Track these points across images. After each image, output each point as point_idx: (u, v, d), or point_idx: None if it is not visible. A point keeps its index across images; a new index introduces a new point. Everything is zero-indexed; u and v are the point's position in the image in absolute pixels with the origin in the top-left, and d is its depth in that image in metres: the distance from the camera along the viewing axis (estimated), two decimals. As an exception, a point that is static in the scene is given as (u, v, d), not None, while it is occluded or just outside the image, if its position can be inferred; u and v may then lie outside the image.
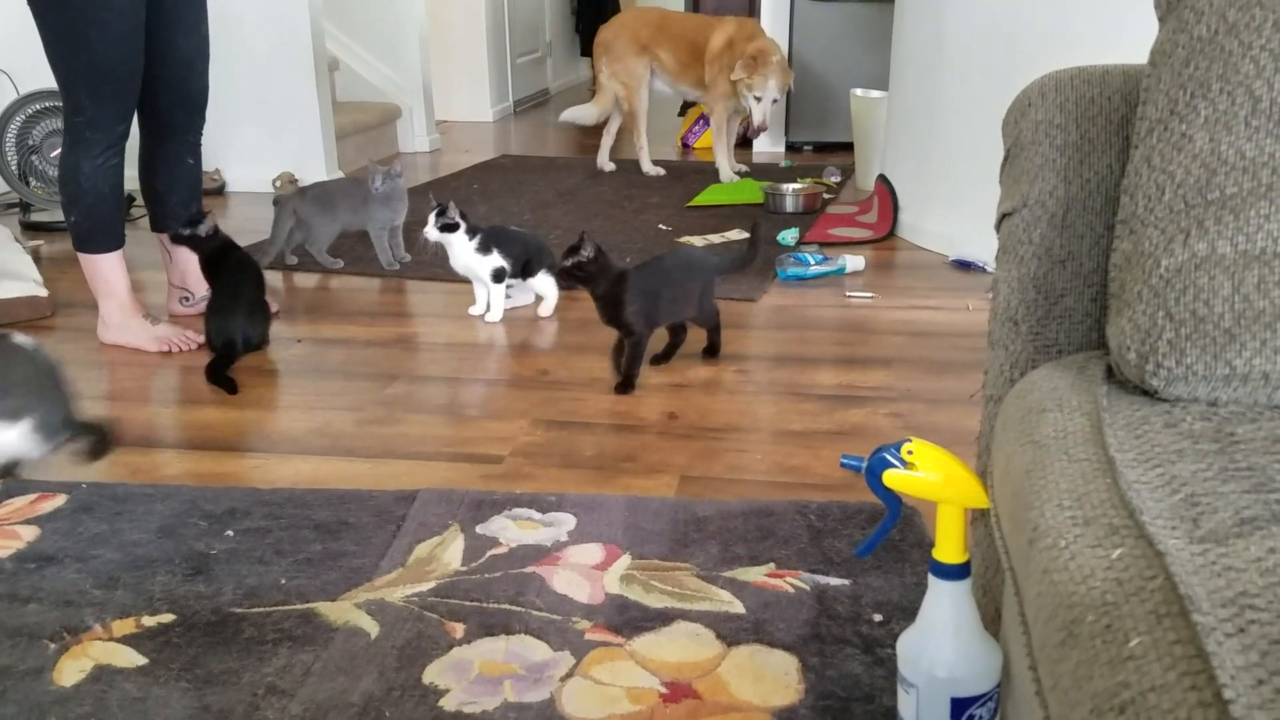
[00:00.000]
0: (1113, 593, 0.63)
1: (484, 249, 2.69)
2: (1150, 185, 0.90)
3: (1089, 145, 1.07)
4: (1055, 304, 1.07)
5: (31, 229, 3.69)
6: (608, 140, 4.69)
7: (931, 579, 1.01)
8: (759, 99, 4.16)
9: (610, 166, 4.70)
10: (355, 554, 1.60)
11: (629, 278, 2.23)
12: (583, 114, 4.55)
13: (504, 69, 6.72)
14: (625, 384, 2.23)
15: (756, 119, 4.22)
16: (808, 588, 1.49)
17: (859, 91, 4.34)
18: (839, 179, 4.42)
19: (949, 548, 0.99)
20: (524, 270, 2.75)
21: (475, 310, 2.81)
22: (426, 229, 2.65)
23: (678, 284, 2.31)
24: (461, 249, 2.68)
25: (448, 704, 1.26)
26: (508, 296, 2.79)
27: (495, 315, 2.75)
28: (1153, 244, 0.88)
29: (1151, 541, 0.66)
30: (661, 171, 4.58)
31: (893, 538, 1.58)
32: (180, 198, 2.68)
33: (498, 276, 2.71)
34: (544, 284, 2.79)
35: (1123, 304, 0.90)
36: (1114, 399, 0.88)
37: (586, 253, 2.16)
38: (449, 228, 2.65)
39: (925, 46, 3.38)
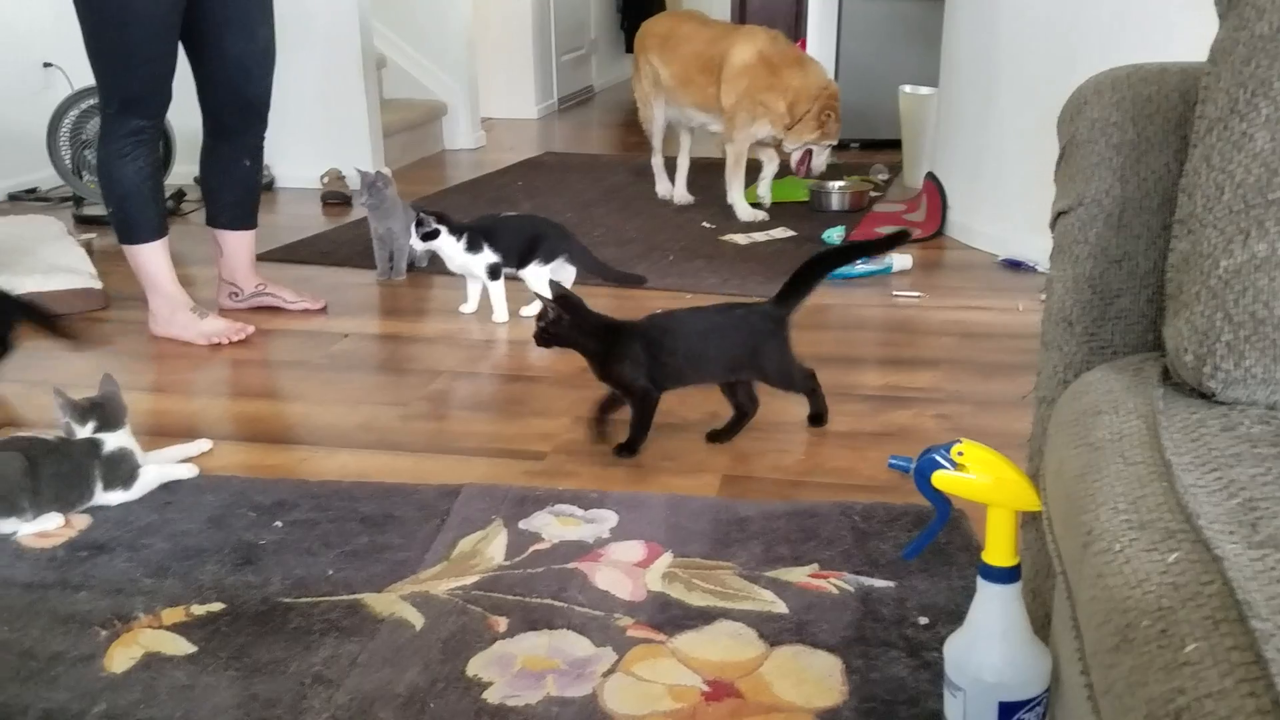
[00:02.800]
0: (1168, 597, 0.62)
1: (473, 247, 2.63)
2: (1209, 185, 0.89)
3: (1146, 144, 1.05)
4: (1110, 304, 1.06)
5: (84, 223, 3.75)
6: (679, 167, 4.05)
7: (981, 582, 1.00)
8: (832, 147, 3.69)
9: (685, 199, 4.01)
10: (400, 547, 1.61)
11: (623, 332, 1.94)
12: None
13: (549, 66, 6.74)
14: (628, 446, 1.95)
15: (819, 163, 3.70)
16: (852, 589, 1.48)
17: (908, 88, 4.30)
18: (886, 177, 4.39)
19: (999, 551, 0.98)
20: (519, 261, 2.67)
21: (465, 309, 2.77)
22: (412, 240, 2.63)
23: (697, 341, 1.97)
24: (452, 251, 2.63)
25: (491, 697, 1.26)
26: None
27: (499, 315, 2.69)
28: (1211, 244, 0.87)
29: (1209, 546, 0.64)
30: (670, 194, 4.02)
31: (939, 540, 1.57)
32: (232, 197, 2.72)
33: (493, 273, 2.66)
34: (533, 278, 2.66)
35: (1180, 305, 0.89)
36: (1170, 402, 0.86)
37: (551, 315, 1.92)
38: (429, 236, 2.59)
39: (977, 43, 3.35)
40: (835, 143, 3.72)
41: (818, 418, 2.05)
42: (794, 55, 3.69)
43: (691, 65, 3.74)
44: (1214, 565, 0.63)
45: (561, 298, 1.92)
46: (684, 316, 2.04)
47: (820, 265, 2.02)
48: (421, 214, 2.61)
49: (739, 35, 3.70)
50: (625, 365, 1.92)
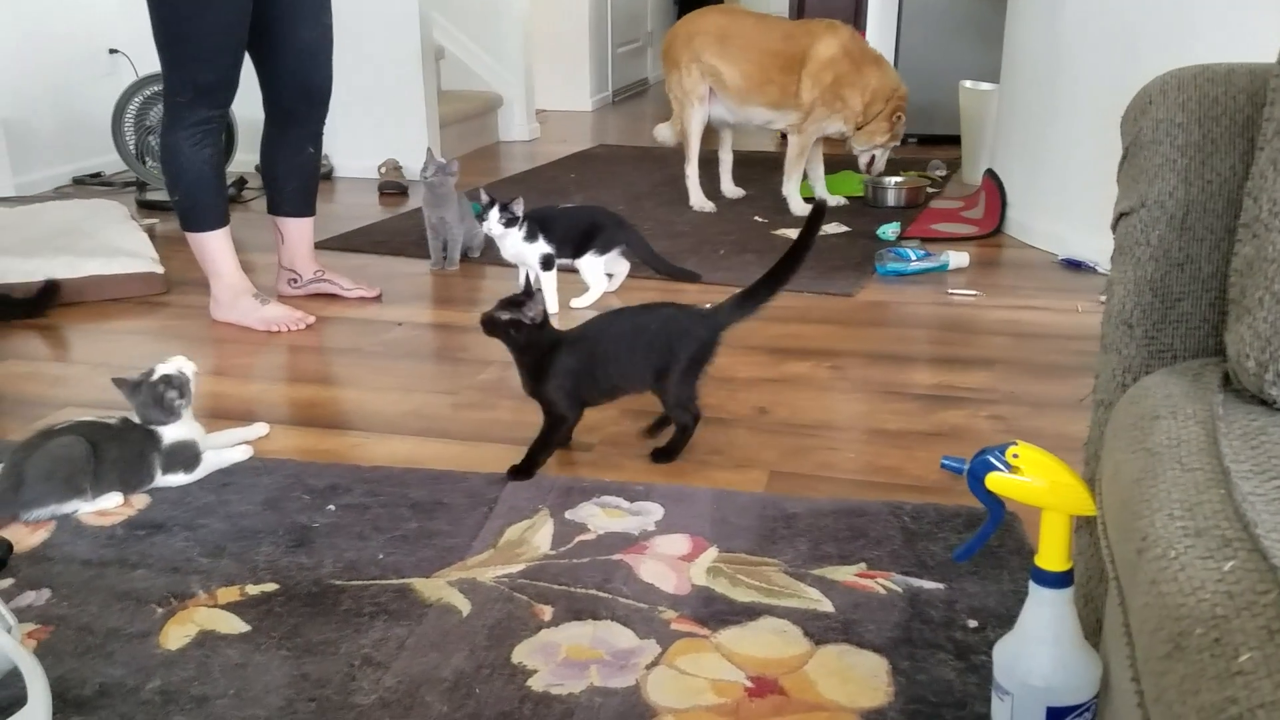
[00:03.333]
0: (1223, 606, 0.61)
1: (530, 236, 2.65)
2: (1276, 188, 0.87)
3: (1211, 146, 1.03)
4: (1172, 308, 1.04)
5: (147, 207, 3.83)
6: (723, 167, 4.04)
7: (1032, 586, 0.99)
8: (896, 147, 3.78)
9: (736, 193, 4.02)
10: (449, 533, 1.63)
11: (560, 348, 1.84)
12: (663, 134, 4.04)
13: (604, 58, 6.76)
14: (523, 468, 1.83)
15: (880, 163, 3.76)
16: (900, 590, 1.47)
17: (968, 83, 4.25)
18: (944, 172, 4.34)
19: (1052, 555, 0.97)
20: (575, 251, 2.72)
21: None
22: (488, 223, 2.61)
23: (620, 351, 1.89)
24: (511, 238, 2.65)
25: (535, 684, 1.27)
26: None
27: (550, 306, 2.67)
28: (1276, 249, 0.85)
29: (1266, 555, 0.63)
30: (711, 207, 3.82)
31: (991, 543, 1.55)
32: (295, 185, 2.76)
33: (546, 263, 2.67)
34: (588, 268, 2.73)
35: (1243, 310, 0.87)
36: (1230, 408, 0.85)
37: (531, 314, 1.80)
38: (512, 222, 2.60)
39: (1040, 38, 3.30)
40: (898, 143, 3.74)
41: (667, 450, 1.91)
42: (872, 53, 3.68)
43: (770, 65, 3.61)
44: (1271, 574, 0.62)
45: (534, 297, 1.82)
46: (607, 321, 1.96)
47: (771, 282, 1.92)
48: (512, 203, 2.60)
49: (820, 29, 3.62)
50: (551, 384, 1.84)
